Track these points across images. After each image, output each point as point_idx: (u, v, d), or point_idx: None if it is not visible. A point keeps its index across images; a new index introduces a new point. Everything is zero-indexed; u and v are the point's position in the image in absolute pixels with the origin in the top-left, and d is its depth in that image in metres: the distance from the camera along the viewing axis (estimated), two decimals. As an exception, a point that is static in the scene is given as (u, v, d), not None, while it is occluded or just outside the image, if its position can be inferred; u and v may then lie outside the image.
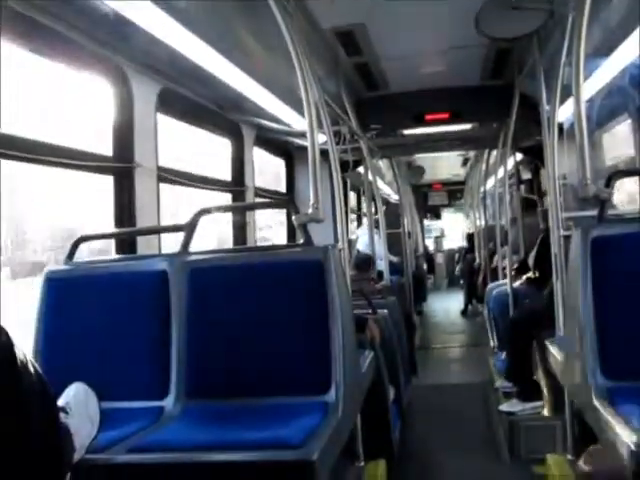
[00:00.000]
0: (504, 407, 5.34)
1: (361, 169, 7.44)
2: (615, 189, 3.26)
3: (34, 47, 3.23)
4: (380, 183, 10.75)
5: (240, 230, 5.96)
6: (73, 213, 4.24)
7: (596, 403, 2.64)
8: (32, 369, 1.96)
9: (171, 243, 3.92)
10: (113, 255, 3.89)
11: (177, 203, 5.11)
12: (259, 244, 6.32)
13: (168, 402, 2.94)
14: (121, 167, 3.92)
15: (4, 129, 2.91)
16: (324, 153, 3.86)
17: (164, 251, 4.02)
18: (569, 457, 3.80)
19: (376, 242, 7.37)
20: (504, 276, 7.27)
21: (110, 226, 3.96)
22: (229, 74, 4.25)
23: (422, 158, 12.67)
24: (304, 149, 3.36)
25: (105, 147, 3.87)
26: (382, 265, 7.40)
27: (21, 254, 3.84)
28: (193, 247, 3.29)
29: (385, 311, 5.08)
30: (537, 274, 6.09)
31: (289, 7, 3.36)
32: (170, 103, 4.44)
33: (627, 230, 2.93)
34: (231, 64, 4.05)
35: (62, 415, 2.20)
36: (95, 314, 3.11)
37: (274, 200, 7.07)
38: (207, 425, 2.67)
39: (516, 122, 6.34)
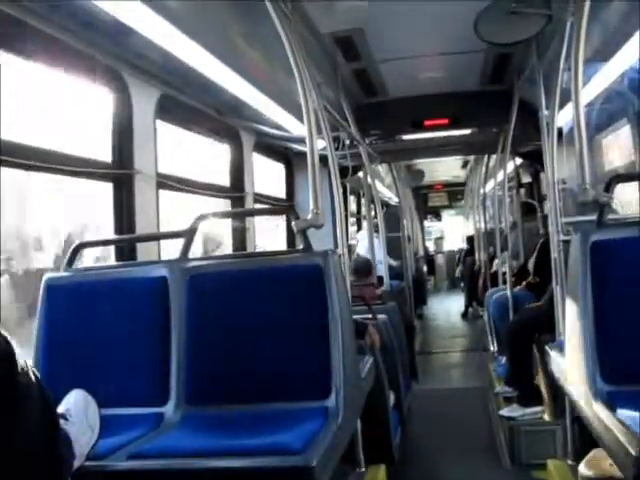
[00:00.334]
0: (504, 412, 5.34)
1: (361, 174, 7.44)
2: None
3: (32, 54, 3.23)
4: (380, 186, 10.74)
5: (240, 236, 5.95)
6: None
7: (596, 408, 2.64)
8: (32, 376, 1.96)
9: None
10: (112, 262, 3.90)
11: (174, 211, 5.10)
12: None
13: (168, 409, 2.94)
14: (120, 174, 3.92)
15: (3, 136, 2.91)
16: (323, 159, 3.86)
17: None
18: (569, 462, 3.80)
19: (376, 246, 7.36)
20: (504, 281, 7.27)
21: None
22: (228, 80, 4.25)
23: (422, 161, 12.68)
24: (303, 155, 3.36)
25: (104, 154, 3.87)
26: (382, 269, 7.40)
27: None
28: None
29: (385, 316, 5.08)
30: (537, 279, 6.09)
31: (288, 13, 3.37)
32: (169, 109, 4.44)
33: (627, 235, 2.93)
34: (230, 70, 4.05)
35: (62, 422, 2.20)
36: (95, 320, 3.11)
37: (273, 206, 7.07)
38: (207, 431, 2.66)
39: (515, 127, 6.36)
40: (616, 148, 5.91)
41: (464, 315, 12.88)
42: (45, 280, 3.22)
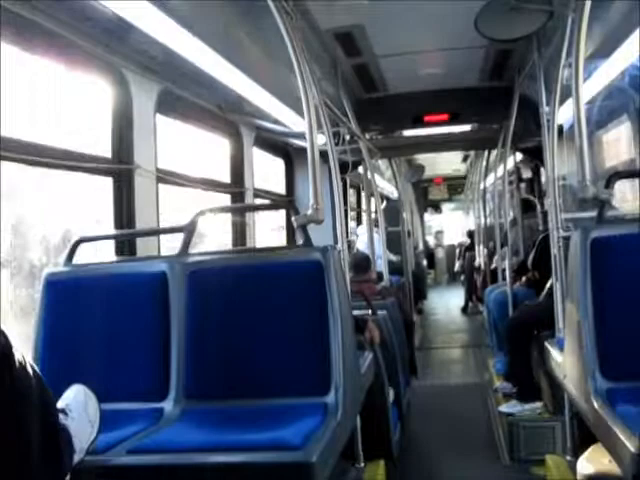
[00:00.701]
0: (503, 408, 5.35)
1: (360, 169, 7.44)
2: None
3: (33, 49, 3.23)
4: (380, 180, 10.73)
5: (239, 232, 5.95)
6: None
7: (595, 404, 2.64)
8: (31, 371, 1.96)
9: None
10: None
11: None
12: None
13: (168, 404, 2.94)
14: (120, 169, 3.92)
15: (2, 131, 2.91)
16: (323, 154, 3.86)
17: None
18: (568, 458, 3.81)
19: (376, 241, 7.36)
20: (504, 278, 7.27)
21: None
22: (228, 75, 4.24)
23: (422, 156, 12.66)
24: (303, 150, 3.36)
25: (104, 149, 3.87)
26: (381, 264, 7.39)
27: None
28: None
29: (384, 312, 5.08)
30: (536, 275, 6.10)
31: (288, 8, 3.36)
32: (169, 104, 4.44)
33: (626, 231, 2.93)
34: (230, 65, 4.05)
35: (62, 417, 2.21)
36: (95, 316, 3.11)
37: (273, 201, 7.07)
38: (207, 427, 2.66)
39: (516, 123, 6.35)
40: (617, 145, 5.90)
41: (464, 310, 12.89)
42: (45, 275, 3.22)
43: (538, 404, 5.14)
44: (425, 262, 16.94)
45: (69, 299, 3.16)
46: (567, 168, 4.79)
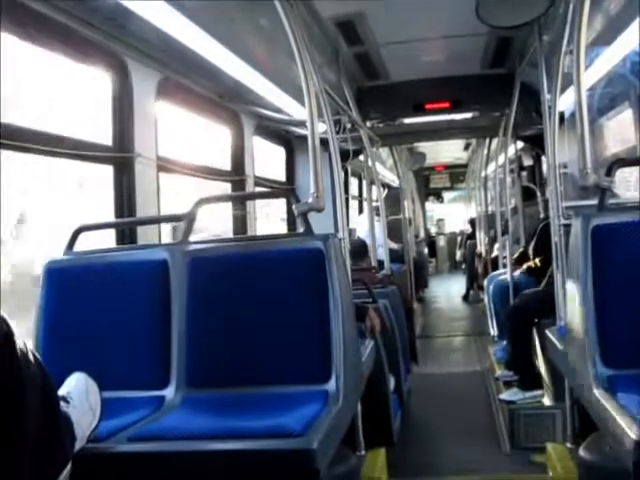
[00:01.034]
0: (504, 396, 5.36)
1: (362, 158, 7.43)
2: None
3: (32, 37, 3.22)
4: (381, 169, 10.72)
5: (240, 220, 5.95)
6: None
7: (596, 392, 2.65)
8: (32, 358, 1.97)
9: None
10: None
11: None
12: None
13: (169, 391, 2.95)
14: (121, 157, 3.91)
15: (3, 119, 2.91)
16: (324, 142, 3.85)
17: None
18: (569, 445, 3.81)
19: (376, 229, 7.36)
20: (504, 265, 7.27)
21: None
22: (229, 63, 4.23)
23: (423, 144, 12.65)
24: (304, 138, 3.35)
25: (105, 137, 3.87)
26: (382, 253, 7.39)
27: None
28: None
29: (385, 300, 5.08)
30: (537, 263, 6.09)
31: (289, -4, 3.35)
32: (170, 92, 4.43)
33: (627, 218, 2.92)
34: (231, 53, 4.04)
35: (63, 405, 2.21)
36: (96, 304, 3.11)
37: (274, 189, 7.06)
38: (208, 414, 2.67)
39: (517, 111, 6.35)
40: (618, 132, 5.90)
41: (465, 298, 12.90)
42: (45, 264, 3.22)
43: (539, 392, 5.15)
44: (426, 250, 16.93)
45: (70, 287, 3.16)
46: (568, 156, 4.77)
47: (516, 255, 6.97)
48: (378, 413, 4.18)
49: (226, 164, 5.88)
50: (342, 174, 4.59)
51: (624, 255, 2.88)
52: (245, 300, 2.98)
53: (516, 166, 8.65)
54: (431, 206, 21.70)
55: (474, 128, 8.33)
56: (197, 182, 5.31)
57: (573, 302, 3.06)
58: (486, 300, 7.99)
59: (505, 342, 6.19)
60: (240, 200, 5.89)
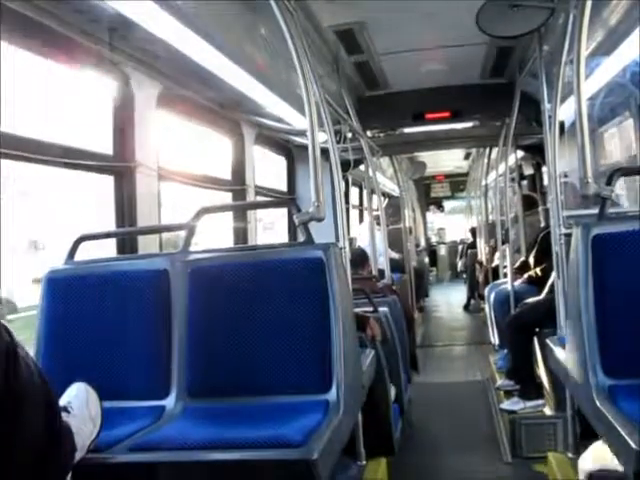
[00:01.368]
0: (505, 405, 5.36)
1: (362, 167, 7.44)
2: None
3: (34, 47, 3.24)
4: (381, 178, 10.72)
5: (241, 229, 5.95)
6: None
7: (597, 401, 2.64)
8: (34, 368, 1.97)
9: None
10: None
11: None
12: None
13: (169, 401, 2.94)
14: (122, 166, 3.92)
15: (4, 128, 2.91)
16: (325, 152, 3.86)
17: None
18: (570, 455, 3.81)
19: (377, 238, 7.36)
20: (505, 275, 7.27)
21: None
22: (230, 73, 4.24)
23: (424, 153, 12.67)
24: (305, 148, 3.35)
25: (106, 146, 3.87)
26: (382, 262, 7.39)
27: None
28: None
29: (386, 309, 5.08)
30: (538, 273, 6.10)
31: (290, 5, 3.35)
32: (170, 102, 4.44)
33: (628, 228, 2.92)
34: (231, 63, 4.04)
35: (64, 414, 2.21)
36: (96, 313, 3.11)
37: (275, 199, 7.07)
38: (208, 424, 2.66)
39: (517, 120, 6.36)
40: (619, 141, 5.90)
41: (466, 307, 12.89)
42: (46, 273, 3.22)
43: (540, 401, 5.15)
44: (427, 259, 16.93)
45: (70, 297, 3.15)
46: (569, 165, 4.78)
47: (517, 264, 6.97)
48: (379, 423, 4.17)
49: (227, 174, 5.88)
50: (343, 183, 4.59)
51: (624, 264, 2.87)
52: (246, 309, 2.97)
53: (517, 175, 8.66)
54: (431, 217, 21.71)
55: (474, 137, 8.34)
56: (196, 192, 5.31)
57: (574, 311, 3.05)
58: (487, 309, 7.99)
59: (506, 351, 6.19)
60: (241, 210, 5.89)
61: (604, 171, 5.66)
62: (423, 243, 17.80)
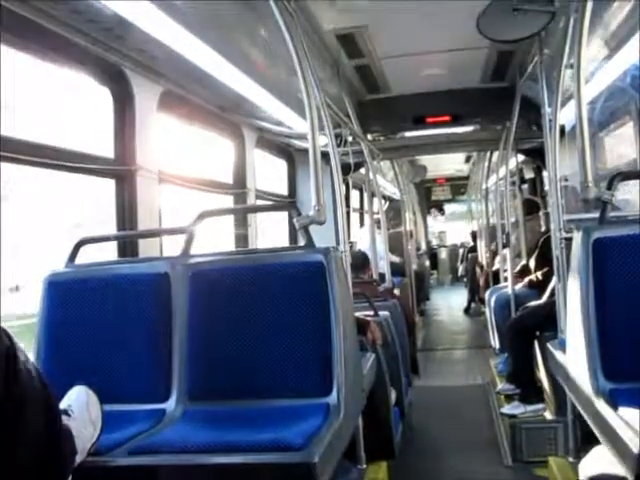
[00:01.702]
0: (506, 409, 5.35)
1: (363, 170, 7.44)
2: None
3: (34, 50, 3.24)
4: (382, 181, 10.73)
5: (242, 233, 5.95)
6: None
7: (598, 405, 2.64)
8: (34, 371, 1.97)
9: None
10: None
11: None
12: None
13: (170, 404, 2.94)
14: (123, 170, 3.92)
15: (4, 132, 2.91)
16: (325, 155, 3.86)
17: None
18: (571, 459, 3.80)
19: (378, 241, 7.35)
20: (506, 279, 7.27)
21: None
22: (230, 76, 4.24)
23: (424, 156, 12.67)
24: (306, 151, 3.35)
25: (107, 150, 3.87)
26: (383, 265, 7.38)
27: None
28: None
29: (387, 313, 5.08)
30: (539, 277, 6.10)
31: (290, 9, 3.36)
32: (171, 105, 4.44)
33: (629, 232, 2.92)
34: (232, 66, 4.05)
35: (64, 418, 2.21)
36: (97, 317, 3.11)
37: (275, 202, 7.07)
38: (209, 427, 2.66)
39: (517, 124, 6.36)
40: (619, 145, 5.90)
41: (466, 311, 12.89)
42: (46, 277, 3.22)
43: (540, 405, 5.14)
44: (428, 263, 16.93)
45: (71, 300, 3.15)
46: (569, 169, 4.78)
47: (517, 268, 6.97)
48: (379, 426, 4.17)
49: (228, 177, 5.88)
50: (343, 187, 4.60)
51: (625, 268, 2.87)
52: (246, 313, 2.97)
53: (517, 179, 8.66)
54: (431, 222, 21.71)
55: (475, 141, 8.34)
56: (197, 195, 5.31)
57: (574, 315, 3.05)
58: (487, 313, 7.99)
59: (506, 355, 6.18)
60: (242, 213, 5.89)
61: (605, 175, 5.66)
62: (424, 246, 17.78)
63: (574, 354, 3.11)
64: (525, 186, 10.24)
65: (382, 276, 7.06)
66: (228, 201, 5.85)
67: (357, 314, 3.68)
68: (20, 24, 2.96)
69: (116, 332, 3.08)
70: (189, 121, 5.06)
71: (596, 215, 3.17)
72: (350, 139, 6.09)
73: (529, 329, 5.14)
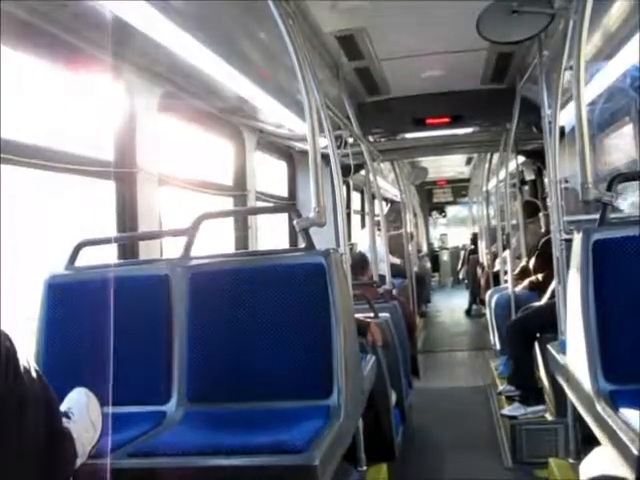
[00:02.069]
0: (506, 411, 5.34)
1: (363, 172, 7.44)
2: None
3: (35, 52, 3.23)
4: (383, 183, 10.73)
5: (242, 235, 5.95)
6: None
7: (598, 407, 2.64)
8: (34, 374, 1.97)
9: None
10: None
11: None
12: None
13: (170, 407, 2.94)
14: (123, 172, 3.92)
15: (4, 134, 2.91)
16: (325, 157, 3.86)
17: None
18: (571, 461, 3.80)
19: (378, 243, 7.35)
20: (506, 280, 7.27)
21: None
22: (230, 78, 4.24)
23: (425, 158, 12.67)
24: (306, 153, 3.35)
25: (107, 152, 3.87)
26: (383, 267, 7.38)
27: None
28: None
29: (387, 314, 5.08)
30: (539, 278, 6.10)
31: (290, 11, 3.36)
32: (171, 107, 4.44)
33: (629, 233, 2.92)
34: (232, 68, 4.04)
35: (64, 420, 2.21)
36: (97, 319, 3.09)
37: (276, 204, 7.07)
38: (209, 429, 2.67)
39: (517, 126, 6.37)
40: (619, 146, 5.90)
41: (467, 312, 12.89)
42: (46, 279, 3.22)
43: (541, 407, 5.14)
44: (429, 265, 16.92)
45: (71, 302, 3.16)
46: (569, 170, 4.78)
47: (518, 270, 6.97)
48: (380, 428, 4.17)
49: (228, 179, 5.88)
50: (344, 189, 4.60)
51: (625, 270, 2.87)
52: (246, 315, 2.98)
53: (517, 181, 8.66)
54: (432, 228, 21.71)
55: (475, 143, 8.34)
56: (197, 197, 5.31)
57: (575, 317, 3.05)
58: (488, 315, 7.99)
59: (507, 357, 6.18)
60: (242, 215, 5.89)
61: (605, 176, 5.66)
62: (425, 249, 17.77)
63: (574, 355, 3.11)
64: (526, 188, 10.25)
65: (382, 278, 7.06)
66: (228, 203, 5.85)
67: (357, 316, 3.68)
68: (21, 27, 2.96)
69: (116, 334, 3.07)
70: (189, 123, 5.06)
71: (596, 216, 3.17)
72: (350, 141, 6.09)
73: (529, 330, 5.13)
